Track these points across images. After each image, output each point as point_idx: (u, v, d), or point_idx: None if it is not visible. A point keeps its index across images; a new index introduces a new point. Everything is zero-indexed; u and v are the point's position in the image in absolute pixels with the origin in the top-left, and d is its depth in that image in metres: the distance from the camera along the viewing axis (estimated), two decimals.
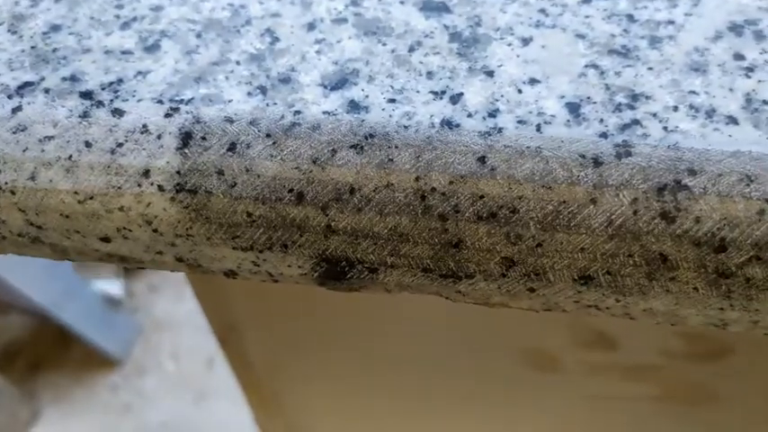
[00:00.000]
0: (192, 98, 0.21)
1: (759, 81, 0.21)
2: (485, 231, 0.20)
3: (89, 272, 1.30)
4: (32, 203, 0.21)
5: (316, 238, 0.21)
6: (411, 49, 0.22)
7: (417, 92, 0.21)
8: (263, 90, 0.21)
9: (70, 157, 0.21)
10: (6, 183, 0.21)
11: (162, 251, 0.22)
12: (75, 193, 0.21)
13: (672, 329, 0.36)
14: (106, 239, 0.22)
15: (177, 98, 0.21)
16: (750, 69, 0.21)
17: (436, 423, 0.46)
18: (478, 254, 0.20)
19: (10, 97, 0.22)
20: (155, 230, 0.21)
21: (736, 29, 0.22)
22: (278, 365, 0.47)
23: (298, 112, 0.21)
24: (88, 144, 0.21)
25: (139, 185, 0.21)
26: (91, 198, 0.21)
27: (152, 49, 0.23)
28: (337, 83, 0.21)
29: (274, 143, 0.20)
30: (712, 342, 0.36)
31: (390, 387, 0.45)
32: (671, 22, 0.22)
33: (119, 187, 0.21)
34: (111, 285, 1.35)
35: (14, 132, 0.21)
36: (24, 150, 0.21)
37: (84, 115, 0.21)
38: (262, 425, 0.51)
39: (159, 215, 0.21)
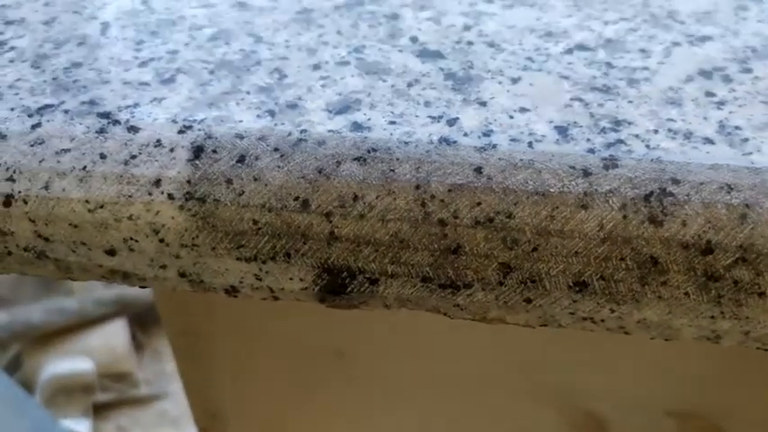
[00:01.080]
0: (205, 119, 0.23)
1: (730, 112, 0.23)
2: (482, 236, 0.20)
3: (58, 411, 1.25)
4: (43, 213, 0.22)
5: (319, 245, 0.21)
6: (409, 85, 0.24)
7: (416, 116, 0.23)
8: (271, 113, 0.23)
9: (84, 167, 0.22)
10: (20, 192, 0.22)
11: (166, 265, 0.22)
12: (87, 201, 0.22)
13: (663, 407, 0.36)
14: (111, 252, 0.22)
15: (190, 118, 0.23)
16: (721, 103, 0.23)
17: None
18: (476, 260, 0.21)
19: (30, 116, 0.23)
20: (161, 240, 0.22)
21: (705, 74, 0.24)
22: None
23: (304, 131, 0.22)
24: (103, 156, 0.22)
25: (150, 194, 0.21)
26: (101, 207, 0.22)
27: (167, 81, 0.24)
28: (341, 108, 0.23)
29: (282, 156, 0.21)
30: (705, 421, 0.36)
31: None
32: (646, 68, 0.25)
33: (129, 196, 0.21)
34: (79, 425, 1.29)
35: (32, 145, 0.22)
36: (41, 162, 0.22)
37: (101, 131, 0.22)
38: None
39: (167, 224, 0.21)
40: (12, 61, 0.26)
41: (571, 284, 0.21)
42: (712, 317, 0.21)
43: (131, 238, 0.22)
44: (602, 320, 0.21)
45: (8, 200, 0.22)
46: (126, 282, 0.23)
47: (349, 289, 0.22)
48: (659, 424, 0.36)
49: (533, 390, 0.37)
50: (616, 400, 0.37)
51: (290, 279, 0.22)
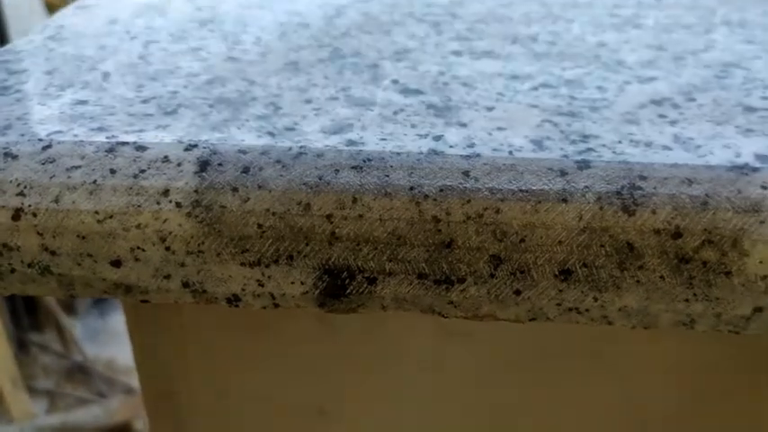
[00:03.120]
0: (209, 139, 0.24)
1: (682, 128, 0.25)
2: (473, 230, 0.22)
3: None
4: (52, 225, 0.23)
5: (320, 246, 0.22)
6: (395, 113, 0.26)
7: (405, 135, 0.25)
8: (271, 134, 0.25)
9: (95, 181, 0.23)
10: (30, 206, 0.23)
11: (170, 274, 0.23)
12: (96, 212, 0.23)
13: None
14: (117, 263, 0.23)
15: (195, 139, 0.24)
16: (674, 122, 0.26)
17: None
18: (469, 253, 0.22)
19: (40, 140, 0.24)
20: (167, 248, 0.23)
21: (656, 102, 0.27)
22: None
23: (303, 146, 0.24)
24: (113, 171, 0.23)
25: (158, 203, 0.23)
26: (110, 217, 0.23)
27: (171, 113, 0.26)
28: (336, 130, 0.25)
29: (284, 166, 0.23)
30: None
31: None
32: (604, 99, 0.28)
33: (138, 206, 0.23)
34: None
35: (43, 164, 0.23)
36: (51, 177, 0.23)
37: (110, 150, 0.24)
38: None
39: (174, 231, 0.23)
40: (18, 100, 0.27)
41: (557, 273, 0.22)
42: (686, 300, 0.22)
43: (138, 247, 0.23)
44: (587, 310, 0.23)
45: (17, 213, 0.23)
46: (128, 296, 0.24)
47: (348, 290, 0.23)
48: None
49: None
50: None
51: (292, 283, 0.23)
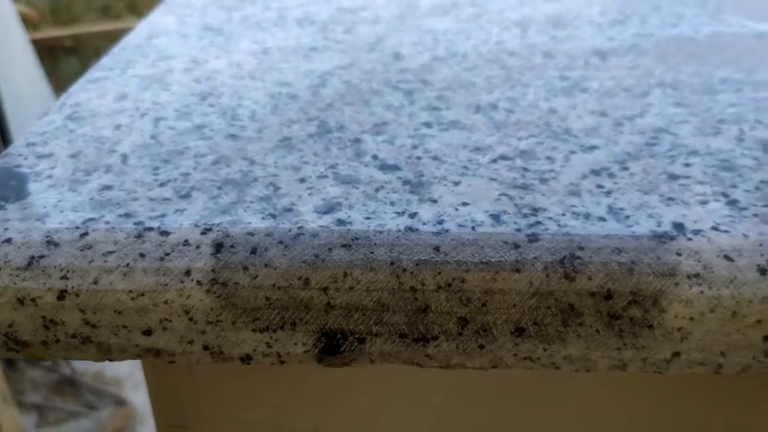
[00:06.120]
0: (221, 223, 0.29)
1: (615, 198, 0.31)
2: (444, 298, 0.27)
3: None
4: (93, 303, 0.27)
5: (318, 314, 0.27)
6: (376, 190, 0.31)
7: (385, 213, 0.30)
8: (273, 216, 0.29)
9: (128, 264, 0.27)
10: (73, 287, 0.27)
11: (193, 340, 0.28)
12: (130, 291, 0.27)
13: None
14: (148, 332, 0.28)
15: (209, 223, 0.29)
16: (609, 192, 0.31)
17: None
18: (441, 316, 0.27)
19: (77, 228, 0.29)
20: (190, 319, 0.27)
21: (595, 172, 0.32)
22: None
23: (300, 227, 0.29)
24: (142, 255, 0.28)
25: (182, 282, 0.27)
26: (142, 295, 0.27)
27: (185, 196, 0.31)
28: (327, 210, 0.30)
29: (285, 247, 0.28)
30: None
31: None
32: (552, 170, 0.33)
33: (165, 285, 0.27)
34: None
35: (82, 250, 0.28)
36: (90, 262, 0.28)
37: (139, 236, 0.28)
38: None
39: (196, 305, 0.27)
40: (51, 186, 0.31)
41: (513, 330, 0.27)
42: (618, 348, 0.27)
43: (166, 319, 0.27)
44: (538, 358, 0.28)
45: (62, 294, 0.27)
46: (157, 358, 0.28)
47: (342, 349, 0.28)
48: None
49: None
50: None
51: (295, 344, 0.28)
